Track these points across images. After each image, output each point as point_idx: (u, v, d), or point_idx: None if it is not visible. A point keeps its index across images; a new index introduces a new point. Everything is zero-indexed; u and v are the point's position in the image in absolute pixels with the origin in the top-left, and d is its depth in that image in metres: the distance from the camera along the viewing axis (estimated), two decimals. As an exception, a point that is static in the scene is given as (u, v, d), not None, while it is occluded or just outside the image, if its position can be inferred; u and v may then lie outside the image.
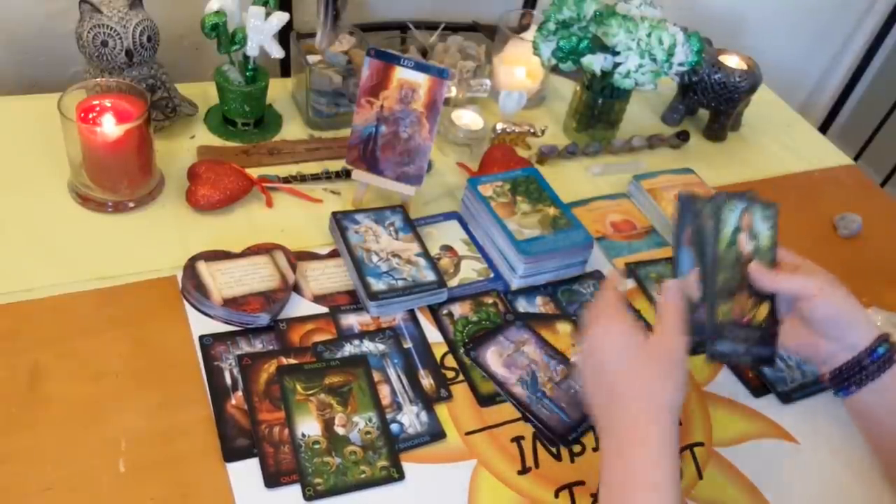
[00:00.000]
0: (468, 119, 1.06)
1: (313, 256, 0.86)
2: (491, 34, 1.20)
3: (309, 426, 0.69)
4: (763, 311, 0.72)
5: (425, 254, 0.86)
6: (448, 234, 0.92)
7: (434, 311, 0.83)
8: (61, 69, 1.12)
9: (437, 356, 0.79)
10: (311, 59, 1.02)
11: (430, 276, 0.83)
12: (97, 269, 0.80)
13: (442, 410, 0.74)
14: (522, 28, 1.18)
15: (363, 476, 0.67)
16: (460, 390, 0.76)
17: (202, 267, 0.80)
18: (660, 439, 0.59)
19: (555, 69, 1.07)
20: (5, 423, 0.65)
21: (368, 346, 0.78)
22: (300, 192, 0.94)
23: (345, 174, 0.96)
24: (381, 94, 0.87)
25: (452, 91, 1.09)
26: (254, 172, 0.93)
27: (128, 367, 0.71)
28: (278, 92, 1.08)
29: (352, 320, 0.80)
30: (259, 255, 0.83)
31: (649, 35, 0.97)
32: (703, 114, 1.22)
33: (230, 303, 0.76)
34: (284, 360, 0.74)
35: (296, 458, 0.67)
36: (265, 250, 0.83)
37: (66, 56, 1.08)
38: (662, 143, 1.16)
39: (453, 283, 0.86)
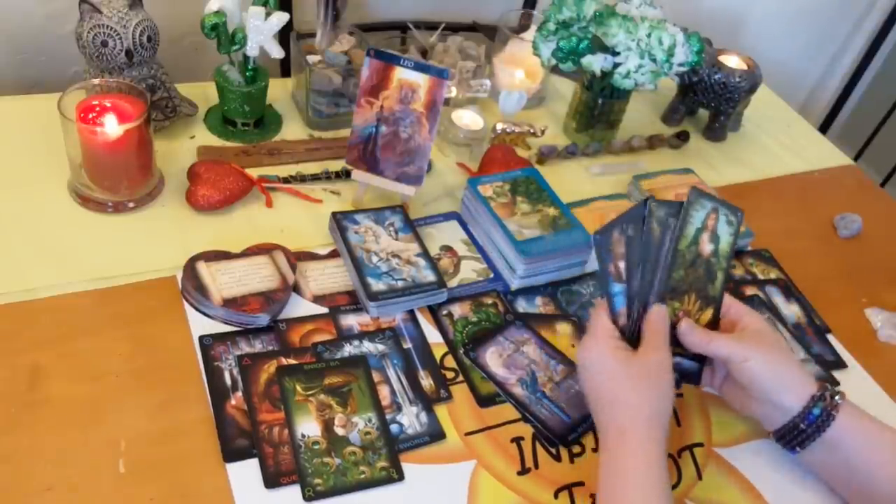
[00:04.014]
0: (468, 119, 1.06)
1: (313, 256, 0.86)
2: (491, 34, 1.20)
3: (309, 427, 0.69)
4: (706, 315, 0.71)
5: (425, 254, 0.86)
6: (448, 235, 0.92)
7: (434, 311, 0.83)
8: (61, 69, 1.12)
9: (437, 357, 0.79)
10: (311, 59, 1.02)
11: (429, 277, 0.83)
12: (97, 269, 0.80)
13: (442, 411, 0.74)
14: (522, 28, 1.18)
15: (363, 476, 0.67)
16: (460, 391, 0.76)
17: (202, 267, 0.80)
18: (649, 445, 0.63)
19: (555, 69, 1.07)
20: (5, 423, 0.65)
21: (368, 346, 0.78)
22: (300, 192, 0.94)
23: (345, 174, 0.96)
24: (381, 94, 0.87)
25: (452, 91, 1.09)
26: (254, 172, 0.93)
27: (128, 367, 0.71)
28: (278, 92, 1.08)
29: (351, 321, 0.80)
30: (259, 256, 0.83)
31: (649, 35, 0.97)
32: (703, 114, 1.22)
33: (230, 303, 0.77)
34: (284, 361, 0.74)
35: (295, 458, 0.67)
36: (265, 250, 0.83)
37: (66, 56, 1.08)
38: (662, 143, 1.16)
39: (453, 283, 0.86)
